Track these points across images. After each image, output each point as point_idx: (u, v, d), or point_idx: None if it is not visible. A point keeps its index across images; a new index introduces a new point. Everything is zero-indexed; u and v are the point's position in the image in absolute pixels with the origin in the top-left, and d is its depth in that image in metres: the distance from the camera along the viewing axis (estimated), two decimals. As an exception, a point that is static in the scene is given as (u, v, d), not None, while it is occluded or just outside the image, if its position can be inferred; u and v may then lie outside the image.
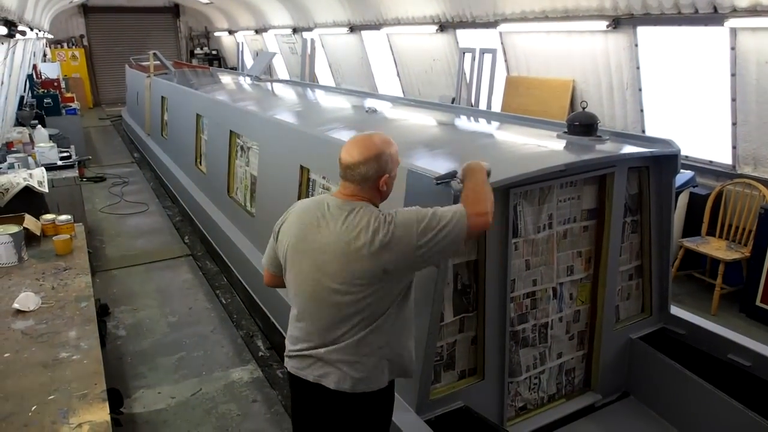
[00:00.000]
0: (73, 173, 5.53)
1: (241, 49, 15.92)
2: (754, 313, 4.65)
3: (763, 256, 4.54)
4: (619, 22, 5.69)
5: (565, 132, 3.26)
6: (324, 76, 12.69)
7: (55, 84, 10.67)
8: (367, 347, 2.01)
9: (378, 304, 1.98)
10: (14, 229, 3.41)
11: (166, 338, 4.45)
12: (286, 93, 6.73)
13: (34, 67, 11.35)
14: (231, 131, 5.29)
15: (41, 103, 8.96)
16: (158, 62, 10.02)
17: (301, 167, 3.74)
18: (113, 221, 7.30)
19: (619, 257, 3.14)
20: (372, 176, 1.98)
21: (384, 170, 1.99)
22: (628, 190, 3.10)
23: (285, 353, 2.19)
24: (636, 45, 5.74)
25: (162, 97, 8.74)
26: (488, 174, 2.24)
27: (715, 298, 4.77)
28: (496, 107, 7.56)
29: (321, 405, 2.10)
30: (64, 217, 3.81)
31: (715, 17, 4.77)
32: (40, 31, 10.02)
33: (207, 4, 17.28)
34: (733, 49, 4.84)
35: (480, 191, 2.09)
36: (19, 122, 7.79)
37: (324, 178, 3.53)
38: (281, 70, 15.20)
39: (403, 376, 2.19)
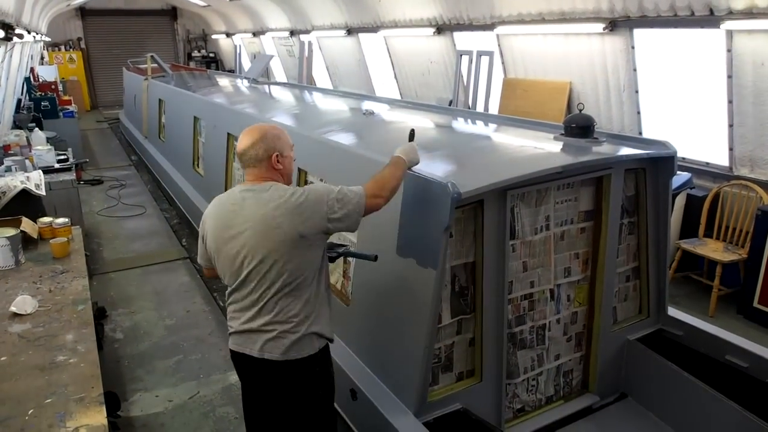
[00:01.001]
0: (71, 176, 5.52)
1: (238, 51, 15.91)
2: (752, 315, 4.66)
3: (760, 257, 4.56)
4: (615, 24, 5.71)
5: (561, 134, 3.27)
6: (321, 78, 12.70)
7: (53, 87, 10.68)
8: (293, 314, 2.18)
9: (298, 270, 2.16)
10: (11, 232, 3.41)
11: (164, 341, 4.45)
12: (284, 95, 6.73)
13: (32, 70, 11.36)
14: (228, 134, 5.29)
15: (38, 106, 8.96)
16: (156, 65, 10.03)
17: (299, 170, 3.74)
18: (111, 224, 7.29)
19: (616, 259, 3.14)
20: (262, 156, 2.20)
21: (272, 148, 2.21)
22: (624, 192, 3.11)
23: (229, 334, 2.33)
24: (633, 47, 5.76)
25: (159, 99, 8.74)
26: (410, 166, 2.47)
27: (712, 300, 4.78)
28: (494, 109, 7.57)
29: (263, 377, 2.27)
30: (61, 220, 3.81)
31: (711, 19, 4.79)
32: (37, 34, 10.02)
33: (204, 6, 17.29)
34: (729, 51, 4.85)
35: (387, 180, 2.33)
36: (17, 125, 7.78)
37: (321, 180, 3.53)
38: (279, 73, 15.21)
39: (328, 341, 2.34)
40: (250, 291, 2.19)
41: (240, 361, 2.30)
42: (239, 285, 2.22)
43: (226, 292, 2.31)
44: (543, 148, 3.14)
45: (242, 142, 2.24)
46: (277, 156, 2.22)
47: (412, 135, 2.65)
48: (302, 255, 2.16)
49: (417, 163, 2.53)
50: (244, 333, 2.24)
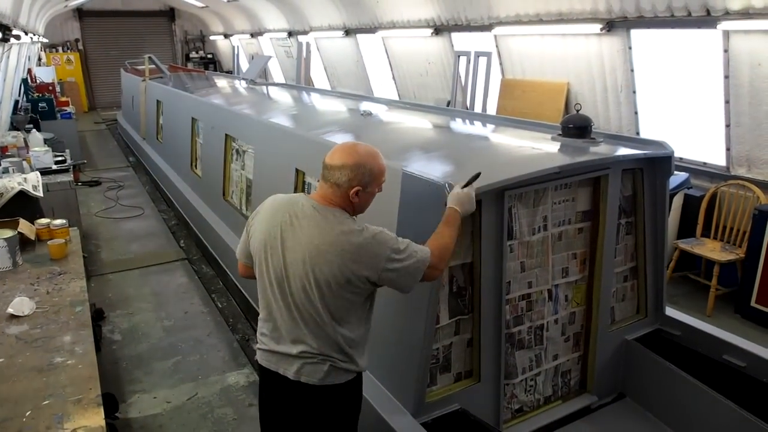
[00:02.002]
0: (68, 177, 5.51)
1: (236, 52, 15.93)
2: (749, 314, 4.67)
3: (757, 257, 4.57)
4: (612, 24, 5.72)
5: (559, 134, 3.27)
6: (319, 79, 12.70)
7: (50, 88, 10.66)
8: (333, 348, 2.06)
9: (337, 311, 2.03)
10: (9, 233, 3.40)
11: (162, 342, 4.44)
12: (282, 96, 6.73)
13: (29, 71, 11.34)
14: (226, 135, 5.28)
15: (36, 107, 8.95)
16: (153, 66, 10.02)
17: (297, 170, 3.74)
18: (108, 225, 7.28)
19: (613, 259, 3.15)
20: (344, 183, 2.01)
21: (358, 181, 2.01)
22: (622, 192, 3.12)
23: (256, 346, 2.24)
24: (630, 48, 5.77)
25: (157, 100, 8.73)
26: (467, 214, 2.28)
27: (710, 299, 4.79)
28: (491, 110, 7.58)
29: (296, 399, 2.15)
30: (59, 222, 3.80)
31: (707, 20, 4.80)
32: (34, 35, 10.01)
33: (202, 8, 17.29)
34: (726, 51, 4.87)
35: (448, 247, 2.16)
36: (14, 126, 7.77)
37: (319, 181, 3.52)
38: (277, 74, 15.21)
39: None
40: (284, 316, 2.07)
41: (270, 379, 2.18)
42: (272, 303, 2.11)
43: (260, 302, 2.20)
44: (540, 148, 3.14)
45: (334, 157, 2.03)
46: (357, 191, 2.02)
47: (474, 178, 2.34)
48: (346, 297, 2.02)
49: (471, 212, 2.31)
50: (277, 354, 2.13)
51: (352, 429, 2.30)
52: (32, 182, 4.59)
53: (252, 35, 15.84)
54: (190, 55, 19.96)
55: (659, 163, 3.12)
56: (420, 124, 4.34)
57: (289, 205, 2.11)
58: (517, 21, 6.80)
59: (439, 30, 8.30)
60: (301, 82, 10.42)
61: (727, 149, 5.18)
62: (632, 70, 5.85)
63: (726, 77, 4.95)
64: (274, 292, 2.09)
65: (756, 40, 4.61)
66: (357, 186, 2.01)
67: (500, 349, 2.83)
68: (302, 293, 2.03)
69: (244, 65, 15.03)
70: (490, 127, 4.10)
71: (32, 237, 3.72)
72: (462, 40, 8.18)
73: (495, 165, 2.95)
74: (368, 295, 2.12)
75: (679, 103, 5.87)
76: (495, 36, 7.36)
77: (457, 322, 2.75)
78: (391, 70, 9.93)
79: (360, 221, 2.09)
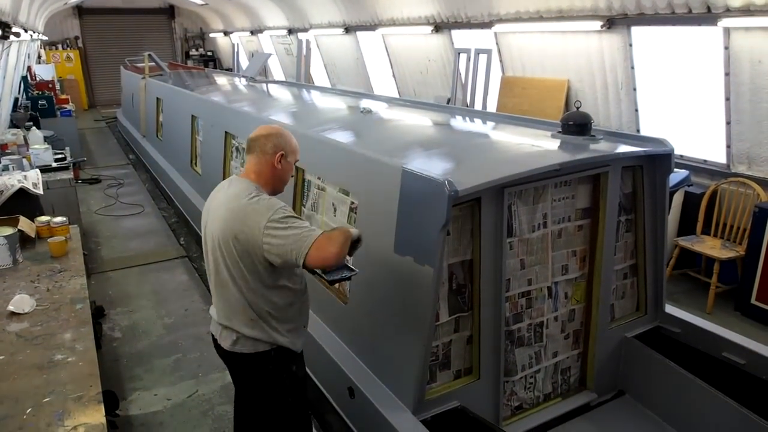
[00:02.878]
0: (68, 175, 5.51)
1: (236, 50, 15.90)
2: (749, 312, 4.67)
3: (757, 254, 4.56)
4: (613, 22, 5.71)
5: (559, 131, 3.27)
6: (319, 76, 12.69)
7: (50, 86, 10.64)
8: (235, 310, 2.31)
9: (238, 273, 2.24)
10: (9, 231, 3.40)
11: (162, 340, 4.45)
12: (282, 94, 6.73)
13: (29, 68, 11.32)
14: (226, 132, 5.28)
15: (36, 104, 8.94)
16: (153, 63, 10.02)
17: (297, 168, 3.74)
18: (108, 223, 7.28)
19: (613, 256, 3.15)
20: (269, 150, 2.29)
21: (281, 148, 2.30)
22: (622, 189, 3.12)
23: None
24: (630, 45, 5.76)
25: (157, 98, 8.72)
26: (357, 240, 2.30)
27: (710, 297, 4.79)
28: (492, 107, 7.57)
29: (227, 365, 2.53)
30: (59, 219, 3.80)
31: (708, 17, 4.79)
32: (34, 32, 10.00)
33: (202, 5, 17.26)
34: (726, 48, 4.86)
35: (340, 239, 2.17)
36: (14, 124, 7.76)
37: (319, 178, 3.53)
38: (276, 71, 15.19)
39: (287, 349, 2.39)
40: (211, 278, 2.38)
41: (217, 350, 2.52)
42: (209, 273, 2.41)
43: None
44: (540, 145, 3.14)
45: (257, 131, 2.35)
46: (281, 155, 2.29)
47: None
48: (243, 259, 2.21)
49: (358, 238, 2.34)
50: (216, 325, 2.46)
51: (282, 405, 2.44)
52: (32, 180, 4.59)
53: (252, 32, 15.82)
54: (190, 53, 19.94)
55: (659, 160, 3.12)
56: (420, 121, 4.33)
57: (220, 185, 2.44)
58: (518, 18, 6.78)
59: (439, 27, 8.28)
60: (301, 80, 10.41)
61: (728, 146, 5.17)
62: (633, 68, 5.84)
63: (726, 74, 4.94)
64: (207, 261, 2.40)
65: (756, 38, 4.60)
66: (281, 151, 2.29)
67: (500, 347, 2.84)
68: (211, 256, 2.34)
69: (244, 63, 15.01)
70: (490, 124, 4.10)
71: (32, 234, 3.72)
72: (462, 38, 8.16)
73: (495, 162, 2.95)
74: (268, 264, 2.21)
75: (679, 101, 5.86)
76: (495, 33, 7.35)
77: (456, 319, 2.76)
78: (391, 67, 9.92)
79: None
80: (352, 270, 2.40)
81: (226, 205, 2.26)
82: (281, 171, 2.32)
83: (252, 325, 2.30)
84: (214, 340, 2.47)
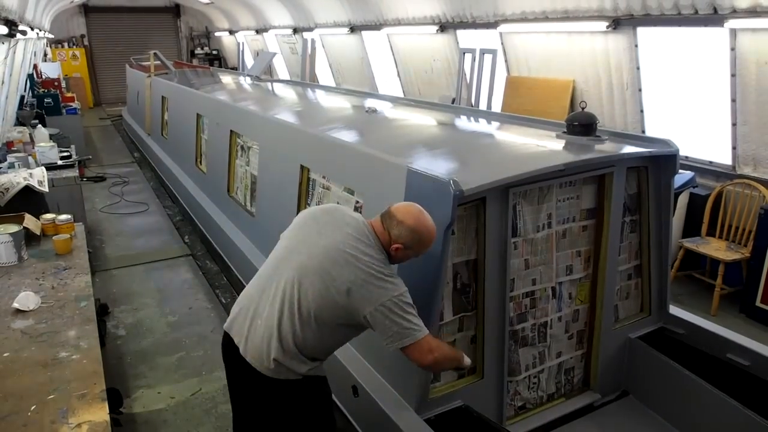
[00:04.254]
0: (74, 173, 5.53)
1: (241, 49, 15.93)
2: (754, 314, 4.65)
3: (762, 256, 4.54)
4: (619, 22, 5.70)
5: (564, 132, 3.26)
6: (324, 76, 12.70)
7: (56, 83, 10.68)
8: (286, 343, 2.16)
9: (309, 303, 2.13)
10: (14, 228, 3.42)
11: (166, 338, 4.46)
12: (287, 93, 6.74)
13: (35, 66, 11.35)
14: (231, 131, 5.29)
15: (42, 102, 8.97)
16: (159, 62, 10.03)
17: (302, 167, 3.75)
18: (113, 221, 7.30)
19: (618, 257, 3.14)
20: (394, 235, 2.18)
21: (404, 240, 2.18)
22: (627, 190, 3.11)
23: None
24: (636, 45, 5.74)
25: (162, 96, 8.74)
26: (464, 368, 2.37)
27: (715, 299, 4.77)
28: (497, 107, 7.56)
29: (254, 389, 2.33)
30: (64, 217, 3.81)
31: (714, 18, 4.78)
32: (40, 30, 10.03)
33: (207, 4, 17.29)
34: (732, 49, 4.84)
35: (445, 356, 2.23)
36: (20, 122, 7.79)
37: (324, 177, 3.53)
38: (281, 70, 15.21)
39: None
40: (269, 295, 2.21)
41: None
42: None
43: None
44: (545, 146, 3.14)
45: (400, 210, 2.21)
46: (399, 247, 2.19)
47: None
48: (330, 303, 2.11)
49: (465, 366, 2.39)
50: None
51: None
52: (38, 177, 4.61)
53: (257, 32, 15.83)
54: (195, 52, 19.98)
55: (664, 161, 3.11)
56: (425, 121, 4.33)
57: (339, 208, 2.39)
58: (523, 18, 6.77)
59: (444, 27, 8.28)
60: (305, 79, 10.42)
61: (733, 148, 5.15)
62: (638, 68, 5.83)
63: (733, 76, 4.92)
64: (279, 274, 2.23)
65: (763, 39, 4.58)
66: (401, 244, 2.18)
67: (504, 346, 2.83)
68: (291, 277, 2.17)
69: (249, 62, 15.03)
70: (495, 124, 4.09)
71: (37, 232, 3.73)
72: (467, 38, 8.15)
73: (499, 162, 2.94)
74: (351, 324, 2.17)
75: (685, 102, 5.84)
76: (500, 33, 7.34)
77: (460, 318, 2.75)
78: (396, 67, 9.92)
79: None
80: None
81: (358, 260, 2.11)
82: (395, 257, 2.23)
83: (287, 355, 2.16)
84: (231, 345, 2.28)
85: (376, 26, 9.70)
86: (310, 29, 12.22)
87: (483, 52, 7.35)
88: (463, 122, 4.25)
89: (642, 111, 5.97)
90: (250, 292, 2.32)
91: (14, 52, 6.87)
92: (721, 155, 5.36)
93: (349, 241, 2.14)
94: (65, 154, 6.00)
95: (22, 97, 8.97)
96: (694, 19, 5.01)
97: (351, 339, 2.34)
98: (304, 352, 2.17)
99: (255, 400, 2.30)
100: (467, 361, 2.32)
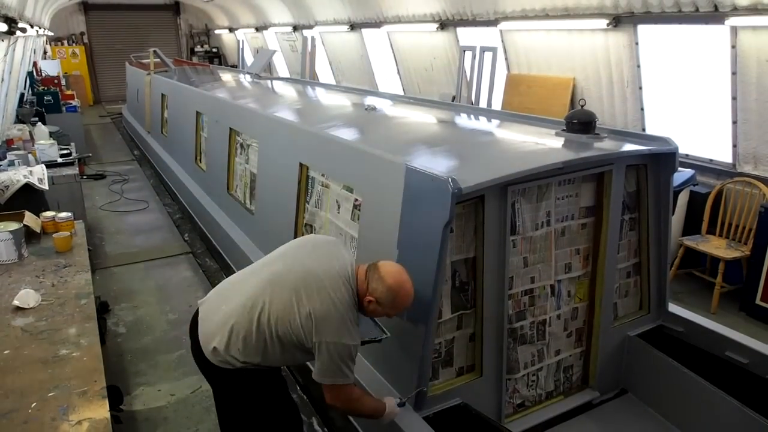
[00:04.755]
0: (73, 170, 5.53)
1: (241, 46, 15.91)
2: (754, 312, 4.65)
3: (763, 254, 4.54)
4: (619, 20, 5.69)
5: (563, 130, 3.27)
6: (324, 73, 12.69)
7: (56, 81, 10.67)
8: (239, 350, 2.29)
9: (270, 313, 2.23)
10: (14, 226, 3.42)
11: (166, 336, 4.46)
12: (286, 91, 6.73)
13: (35, 64, 11.35)
14: (231, 129, 5.29)
15: (41, 100, 8.98)
16: (158, 60, 10.02)
17: (301, 165, 3.75)
18: (113, 218, 7.30)
19: (617, 255, 3.14)
20: (370, 288, 2.26)
21: (378, 296, 2.25)
22: (626, 188, 3.11)
23: None
24: (636, 43, 5.73)
25: (162, 94, 8.74)
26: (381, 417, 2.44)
27: (715, 297, 4.77)
28: (497, 105, 7.56)
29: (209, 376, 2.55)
30: (64, 215, 3.82)
31: (715, 15, 4.77)
32: (40, 28, 10.02)
33: (207, 1, 17.27)
34: (733, 47, 4.83)
35: (358, 409, 2.38)
36: (20, 119, 7.79)
37: (323, 175, 3.53)
38: (281, 68, 15.19)
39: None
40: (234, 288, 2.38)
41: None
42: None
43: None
44: (544, 143, 3.14)
45: (386, 268, 2.28)
46: (371, 300, 2.26)
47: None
48: (288, 322, 2.21)
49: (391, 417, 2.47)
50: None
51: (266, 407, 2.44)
52: (38, 175, 4.62)
53: (257, 29, 15.82)
54: (195, 49, 19.96)
55: (663, 159, 3.11)
56: (424, 119, 4.33)
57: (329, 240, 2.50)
58: (523, 16, 6.76)
59: (444, 25, 8.27)
60: (305, 77, 10.41)
61: (734, 146, 5.15)
62: (639, 66, 5.82)
63: (733, 73, 4.92)
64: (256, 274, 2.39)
65: (764, 37, 4.58)
66: (374, 298, 2.26)
67: (502, 344, 2.84)
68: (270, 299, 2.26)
69: (249, 59, 15.02)
70: (495, 122, 4.09)
71: (38, 230, 3.74)
72: (467, 35, 8.14)
73: (498, 160, 2.95)
74: (299, 347, 2.26)
75: (685, 100, 5.83)
76: (501, 31, 7.33)
77: (459, 316, 2.76)
78: (396, 64, 9.91)
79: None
80: (383, 332, 2.56)
81: (326, 281, 2.22)
82: (366, 309, 2.31)
83: (245, 355, 2.27)
84: (195, 329, 2.42)
85: (377, 24, 9.68)
86: (310, 27, 12.20)
87: (483, 49, 7.35)
88: (463, 120, 4.25)
89: (642, 109, 5.96)
90: (233, 280, 2.48)
91: (14, 50, 6.87)
92: (722, 153, 5.36)
93: (331, 273, 2.24)
94: (65, 151, 6.00)
95: (22, 95, 8.96)
96: (694, 17, 5.00)
97: (290, 364, 2.43)
98: (242, 355, 2.26)
99: (205, 375, 2.50)
100: (389, 414, 2.42)
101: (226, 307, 2.32)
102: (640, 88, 5.89)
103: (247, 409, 2.42)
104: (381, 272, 2.26)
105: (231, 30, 18.39)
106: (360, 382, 2.80)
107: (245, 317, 2.25)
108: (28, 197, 4.34)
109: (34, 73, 10.67)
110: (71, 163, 5.71)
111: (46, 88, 9.63)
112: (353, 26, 10.55)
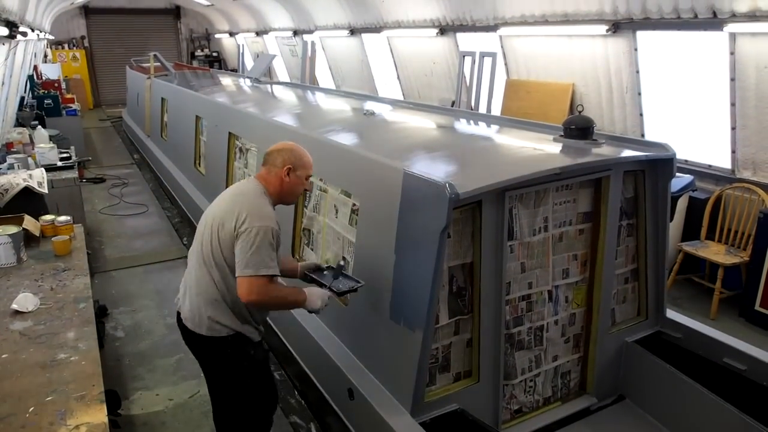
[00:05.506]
0: (73, 174, 5.54)
1: (241, 51, 15.95)
2: (753, 318, 4.65)
3: (762, 260, 4.55)
4: (618, 26, 5.71)
5: (561, 135, 3.27)
6: (324, 78, 12.71)
7: (56, 85, 10.70)
8: (203, 289, 2.49)
9: (213, 250, 2.43)
10: (13, 229, 3.42)
11: (165, 340, 4.46)
12: (286, 95, 6.75)
13: (35, 68, 11.38)
14: (230, 133, 5.30)
15: (42, 103, 8.99)
16: (159, 64, 10.05)
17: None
18: (112, 222, 7.31)
19: (614, 260, 3.14)
20: (278, 163, 2.49)
21: (289, 162, 2.49)
22: (623, 194, 3.12)
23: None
24: (635, 49, 5.75)
25: (162, 98, 8.76)
26: (314, 310, 2.54)
27: (714, 303, 4.77)
28: (496, 110, 7.57)
29: (193, 349, 2.68)
30: (63, 218, 3.82)
31: (714, 22, 4.79)
32: (41, 32, 10.04)
33: (208, 6, 17.32)
34: (732, 53, 4.85)
35: (274, 299, 2.42)
36: (20, 123, 7.80)
37: (321, 180, 3.54)
38: (281, 73, 15.22)
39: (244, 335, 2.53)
40: (192, 257, 2.55)
41: None
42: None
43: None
44: (542, 149, 3.15)
45: (274, 146, 2.57)
46: (288, 169, 2.48)
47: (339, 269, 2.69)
48: (220, 241, 2.39)
49: (314, 310, 2.55)
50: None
51: (243, 386, 2.57)
52: (37, 179, 4.62)
53: (257, 34, 15.85)
54: (196, 53, 20.00)
55: (661, 165, 3.12)
56: (423, 124, 4.34)
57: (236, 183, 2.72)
58: (523, 22, 6.79)
59: (444, 30, 8.29)
60: (305, 82, 10.43)
61: (733, 152, 5.16)
62: (638, 72, 5.84)
63: (732, 80, 4.93)
64: (195, 239, 2.57)
65: (762, 43, 4.59)
66: (289, 165, 2.48)
67: (500, 350, 2.84)
68: (199, 235, 2.53)
69: (249, 64, 15.05)
70: (493, 127, 4.10)
71: (37, 233, 3.74)
72: (467, 41, 8.17)
73: (496, 165, 2.95)
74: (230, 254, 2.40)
75: (684, 106, 5.85)
76: (500, 36, 7.35)
77: (456, 322, 2.76)
78: (396, 69, 9.93)
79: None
80: (357, 281, 2.60)
81: (231, 197, 2.49)
82: (289, 183, 2.50)
83: (214, 306, 2.44)
84: (178, 317, 2.60)
85: (376, 29, 9.71)
86: (310, 31, 12.23)
87: (483, 55, 7.37)
88: (461, 125, 4.26)
89: (641, 114, 5.98)
90: (186, 270, 2.64)
91: (14, 54, 6.89)
92: (721, 159, 5.36)
93: (232, 198, 2.49)
94: (65, 155, 6.01)
95: (22, 99, 8.98)
96: (693, 23, 5.02)
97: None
98: (227, 300, 2.43)
99: (200, 360, 2.65)
100: (316, 303, 2.49)
101: (188, 285, 2.56)
102: (639, 94, 5.91)
103: (234, 375, 2.56)
104: (272, 149, 2.54)
105: (231, 34, 18.43)
106: (357, 388, 2.81)
107: (204, 273, 2.45)
108: (28, 201, 4.35)
109: (35, 77, 10.70)
110: (71, 167, 5.72)
111: (46, 92, 9.65)
112: (353, 31, 10.58)
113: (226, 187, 5.33)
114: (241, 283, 2.31)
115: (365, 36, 10.43)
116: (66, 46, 17.63)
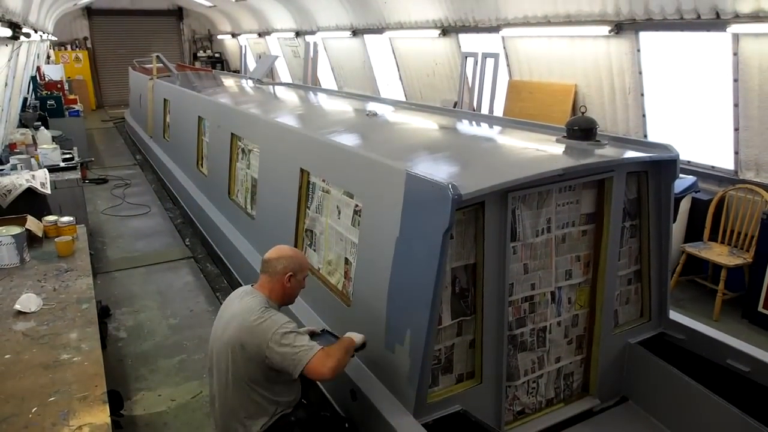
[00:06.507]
0: (76, 175, 5.55)
1: (244, 52, 15.95)
2: (756, 319, 4.64)
3: (765, 261, 4.54)
4: (621, 27, 5.70)
5: (564, 136, 3.27)
6: (326, 79, 12.72)
7: (59, 86, 10.72)
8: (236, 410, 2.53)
9: (234, 370, 2.47)
10: (16, 230, 3.43)
11: (167, 340, 4.46)
12: (288, 96, 6.75)
13: (38, 69, 11.41)
14: (232, 134, 5.30)
15: (44, 104, 9.01)
16: (161, 65, 10.07)
17: (302, 170, 3.76)
18: (115, 223, 7.32)
19: (617, 262, 3.14)
20: (280, 271, 2.59)
21: (289, 269, 2.59)
22: (627, 195, 3.11)
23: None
24: (638, 50, 5.74)
25: (164, 99, 8.77)
26: (362, 345, 2.67)
27: (717, 304, 4.76)
28: (499, 111, 7.56)
29: None
30: (66, 219, 3.83)
31: (717, 23, 4.78)
32: (44, 33, 10.07)
33: (210, 7, 17.35)
34: (735, 54, 4.84)
35: (341, 356, 2.48)
36: (23, 124, 7.82)
37: (324, 181, 3.54)
38: (284, 74, 15.24)
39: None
40: (214, 381, 2.59)
41: None
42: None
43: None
44: (545, 150, 3.14)
45: (272, 253, 2.65)
46: (290, 276, 2.60)
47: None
48: (237, 360, 2.45)
49: (362, 344, 2.67)
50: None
51: None
52: (40, 179, 4.63)
53: (260, 35, 15.87)
54: (198, 54, 20.03)
55: (664, 166, 3.11)
56: (425, 125, 4.34)
57: (235, 293, 2.73)
58: (525, 23, 6.78)
59: (446, 31, 8.29)
60: (307, 82, 10.44)
61: (736, 153, 5.15)
62: (640, 73, 5.83)
63: (735, 80, 4.92)
64: (212, 365, 2.61)
65: (766, 44, 4.58)
66: (290, 272, 2.59)
67: (502, 351, 2.83)
68: (216, 359, 2.57)
69: (252, 65, 15.06)
70: (496, 128, 4.10)
71: (40, 234, 3.75)
72: (469, 41, 8.17)
73: (499, 166, 2.95)
74: (269, 371, 2.47)
75: (687, 107, 5.83)
76: (503, 37, 7.34)
77: (459, 323, 2.76)
78: (398, 70, 9.93)
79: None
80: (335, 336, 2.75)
81: (240, 317, 2.49)
82: (290, 288, 2.63)
83: (254, 416, 2.52)
84: None
85: (379, 30, 9.72)
86: (312, 32, 12.24)
87: (485, 56, 7.35)
88: (464, 126, 4.26)
89: (644, 115, 5.97)
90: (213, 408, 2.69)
91: (17, 55, 6.90)
92: (724, 160, 5.35)
93: (240, 322, 2.48)
94: (68, 156, 6.02)
95: (25, 99, 9.01)
96: (696, 24, 5.01)
97: (288, 388, 2.58)
98: (270, 402, 2.52)
99: None
100: (358, 338, 2.64)
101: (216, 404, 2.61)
102: (642, 94, 5.90)
103: None
104: (274, 255, 2.62)
105: (234, 35, 18.46)
106: (360, 389, 2.81)
107: (242, 398, 2.50)
108: (31, 201, 4.36)
109: (38, 78, 10.72)
110: (74, 168, 5.73)
111: (49, 93, 9.66)
112: (355, 32, 10.58)
113: (229, 188, 5.36)
114: (310, 372, 2.38)
115: (367, 37, 10.43)
116: (69, 47, 17.67)
